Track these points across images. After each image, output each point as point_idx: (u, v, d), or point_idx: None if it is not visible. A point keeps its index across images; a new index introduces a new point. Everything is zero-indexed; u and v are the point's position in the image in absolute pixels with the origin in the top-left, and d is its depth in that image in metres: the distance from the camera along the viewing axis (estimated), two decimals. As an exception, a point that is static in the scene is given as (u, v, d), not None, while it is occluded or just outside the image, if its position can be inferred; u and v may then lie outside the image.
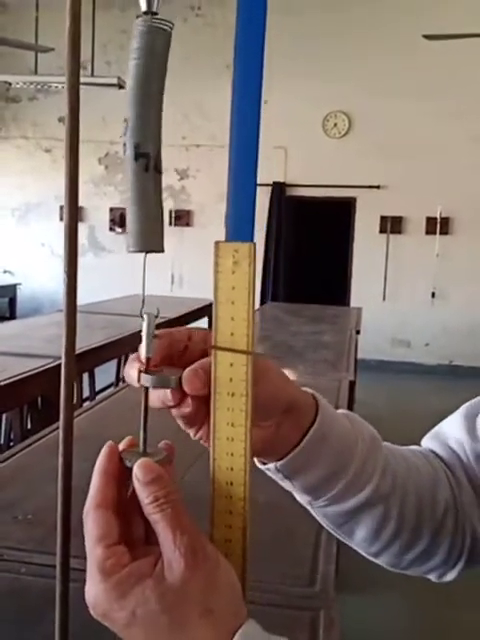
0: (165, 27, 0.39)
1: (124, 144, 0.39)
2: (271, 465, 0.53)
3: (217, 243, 0.41)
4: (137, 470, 0.41)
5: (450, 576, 0.66)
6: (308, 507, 0.59)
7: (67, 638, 0.61)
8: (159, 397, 0.44)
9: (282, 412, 0.49)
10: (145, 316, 0.41)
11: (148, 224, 0.38)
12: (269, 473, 0.54)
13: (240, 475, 0.42)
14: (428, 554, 0.63)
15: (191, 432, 0.48)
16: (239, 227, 0.40)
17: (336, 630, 0.96)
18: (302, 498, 0.57)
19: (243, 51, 0.39)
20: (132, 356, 0.45)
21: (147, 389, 0.44)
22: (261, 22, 0.39)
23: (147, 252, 0.39)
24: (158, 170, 0.38)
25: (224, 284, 0.41)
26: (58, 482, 0.57)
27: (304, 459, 0.52)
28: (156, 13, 0.40)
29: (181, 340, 0.45)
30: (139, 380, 0.43)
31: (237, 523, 0.42)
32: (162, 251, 0.39)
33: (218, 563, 0.40)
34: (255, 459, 0.53)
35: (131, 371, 0.44)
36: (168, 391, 0.43)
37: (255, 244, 0.41)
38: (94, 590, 0.41)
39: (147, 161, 0.38)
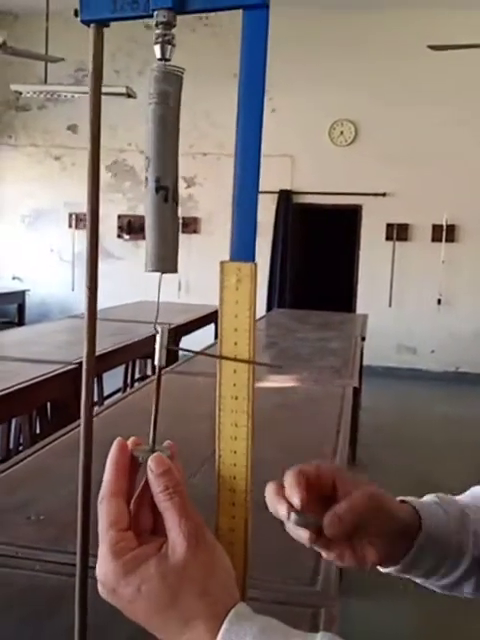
0: (177, 72, 0.44)
1: (146, 178, 0.44)
2: (391, 569, 0.64)
3: (222, 263, 0.46)
4: (151, 463, 0.46)
5: None
6: (424, 583, 0.70)
7: (86, 627, 0.66)
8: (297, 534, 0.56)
9: (397, 534, 0.60)
10: (159, 328, 0.46)
11: (165, 249, 0.43)
12: (385, 571, 0.66)
13: (242, 471, 0.46)
14: None
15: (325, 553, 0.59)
16: (242, 249, 0.45)
17: (336, 627, 1.01)
18: (417, 580, 0.69)
19: (246, 93, 0.44)
20: (279, 493, 0.56)
21: (158, 387, 0.49)
22: (262, 71, 0.44)
23: (162, 272, 0.44)
24: (175, 200, 0.43)
25: (228, 299, 0.46)
26: (79, 478, 0.62)
27: (415, 559, 0.63)
28: (169, 59, 0.45)
29: (326, 482, 0.57)
30: (288, 517, 0.53)
31: (240, 513, 0.47)
32: (176, 272, 0.45)
33: (215, 549, 0.45)
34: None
35: (280, 508, 0.55)
36: (304, 533, 0.52)
37: (256, 264, 0.45)
38: (104, 568, 0.45)
39: (166, 193, 0.43)
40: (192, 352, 0.55)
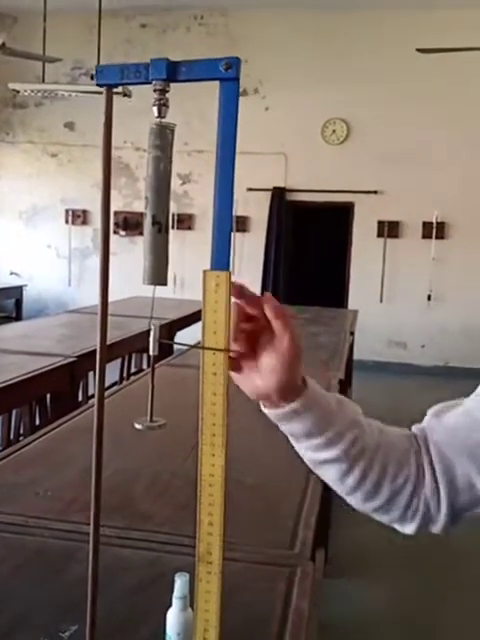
0: (170, 127, 0.58)
1: (144, 213, 0.59)
2: (270, 411, 0.74)
3: (205, 271, 0.60)
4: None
5: (408, 530, 0.84)
6: (294, 445, 0.80)
7: (97, 577, 0.80)
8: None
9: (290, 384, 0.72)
10: (152, 326, 0.61)
11: (158, 268, 0.58)
12: (268, 415, 0.75)
13: (220, 428, 0.61)
14: (387, 508, 0.82)
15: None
16: (220, 261, 0.59)
17: (308, 582, 1.16)
18: (290, 438, 0.79)
19: (223, 144, 0.58)
20: None
21: (153, 369, 0.63)
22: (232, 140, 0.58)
23: (156, 285, 0.59)
24: (167, 231, 0.58)
25: (210, 299, 0.60)
26: (93, 450, 0.76)
27: (291, 416, 0.73)
28: (164, 117, 0.59)
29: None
30: None
31: (218, 462, 0.61)
32: (166, 285, 0.60)
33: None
34: (261, 403, 0.74)
35: None
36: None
37: (231, 272, 0.60)
38: None
39: (160, 226, 0.58)
40: (178, 344, 0.70)
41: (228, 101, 0.58)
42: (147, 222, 0.58)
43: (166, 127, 0.58)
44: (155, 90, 0.59)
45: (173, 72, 0.59)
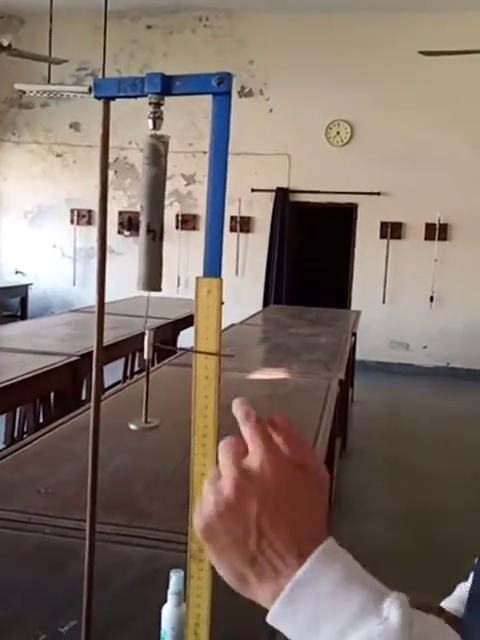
0: (164, 139, 0.61)
1: (140, 221, 0.61)
2: None
3: (198, 278, 0.62)
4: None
5: None
6: None
7: (92, 576, 0.82)
8: None
9: None
10: (147, 331, 0.64)
11: (153, 274, 0.60)
12: None
13: (211, 429, 0.63)
14: None
15: None
16: (212, 268, 0.62)
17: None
18: None
19: (215, 155, 0.61)
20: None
21: (148, 373, 0.66)
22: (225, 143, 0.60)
23: (151, 291, 0.61)
24: (161, 239, 0.60)
25: (202, 305, 0.63)
26: (89, 451, 0.79)
27: None
28: (159, 129, 0.61)
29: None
30: None
31: (209, 462, 0.64)
32: (160, 291, 0.62)
33: None
34: None
35: None
36: None
37: (222, 280, 0.62)
38: None
39: (154, 234, 0.60)
40: (170, 348, 0.72)
41: (220, 115, 0.61)
42: (142, 230, 0.60)
43: (160, 139, 0.61)
44: (150, 103, 0.61)
45: (168, 86, 0.61)
